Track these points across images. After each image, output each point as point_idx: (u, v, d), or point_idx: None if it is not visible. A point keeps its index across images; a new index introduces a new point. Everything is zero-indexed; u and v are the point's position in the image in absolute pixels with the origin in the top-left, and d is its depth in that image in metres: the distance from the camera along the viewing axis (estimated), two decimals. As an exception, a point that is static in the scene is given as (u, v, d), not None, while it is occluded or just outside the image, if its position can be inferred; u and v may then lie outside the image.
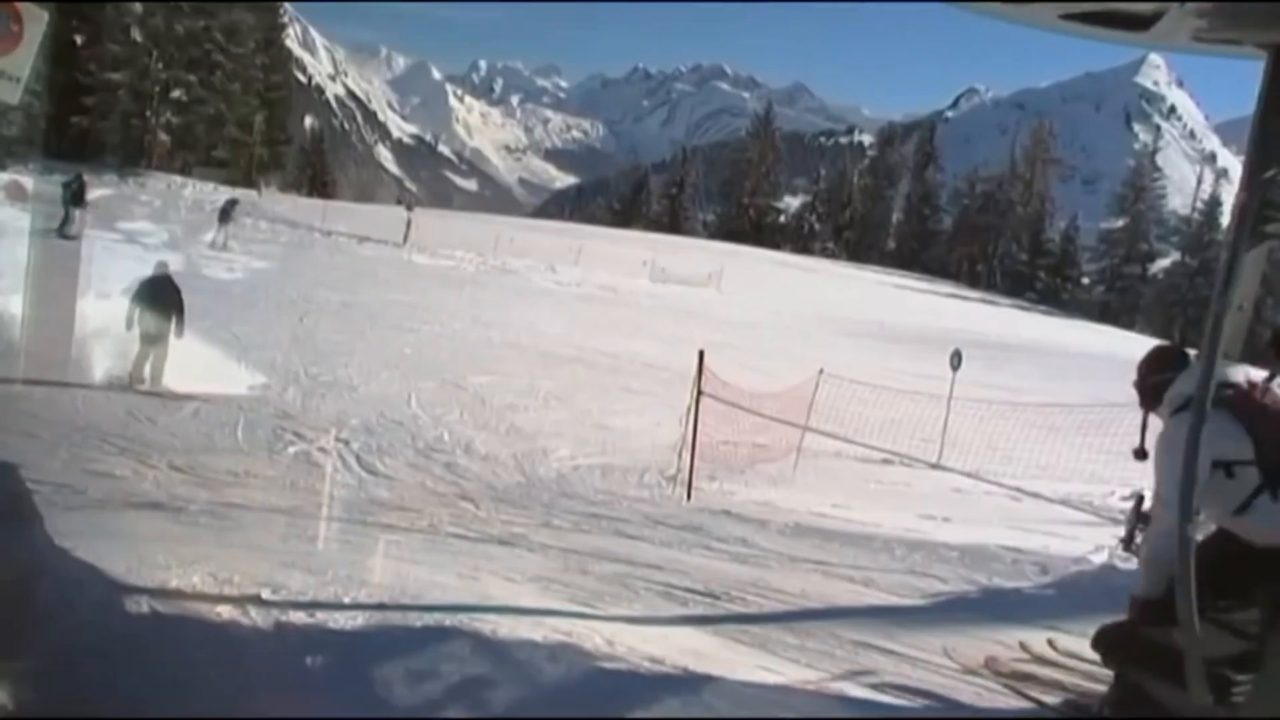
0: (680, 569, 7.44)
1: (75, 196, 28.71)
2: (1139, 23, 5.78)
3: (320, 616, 5.30)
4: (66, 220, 26.87)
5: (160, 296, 13.39)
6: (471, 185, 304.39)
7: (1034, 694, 4.96)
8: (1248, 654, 3.73)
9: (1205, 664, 3.17)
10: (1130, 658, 4.08)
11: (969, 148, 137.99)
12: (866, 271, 57.71)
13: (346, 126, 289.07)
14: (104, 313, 13.80)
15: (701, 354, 12.05)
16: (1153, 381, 4.38)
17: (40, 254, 14.40)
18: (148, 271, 13.94)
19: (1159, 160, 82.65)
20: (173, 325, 13.30)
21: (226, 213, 30.52)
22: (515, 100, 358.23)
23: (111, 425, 10.31)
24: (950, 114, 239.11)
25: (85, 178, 33.06)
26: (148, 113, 54.56)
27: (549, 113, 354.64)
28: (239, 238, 30.11)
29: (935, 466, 12.73)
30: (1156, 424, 4.27)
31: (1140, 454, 4.38)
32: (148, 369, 12.99)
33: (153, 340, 13.08)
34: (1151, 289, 71.83)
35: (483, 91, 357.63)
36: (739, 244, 64.27)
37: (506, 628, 5.27)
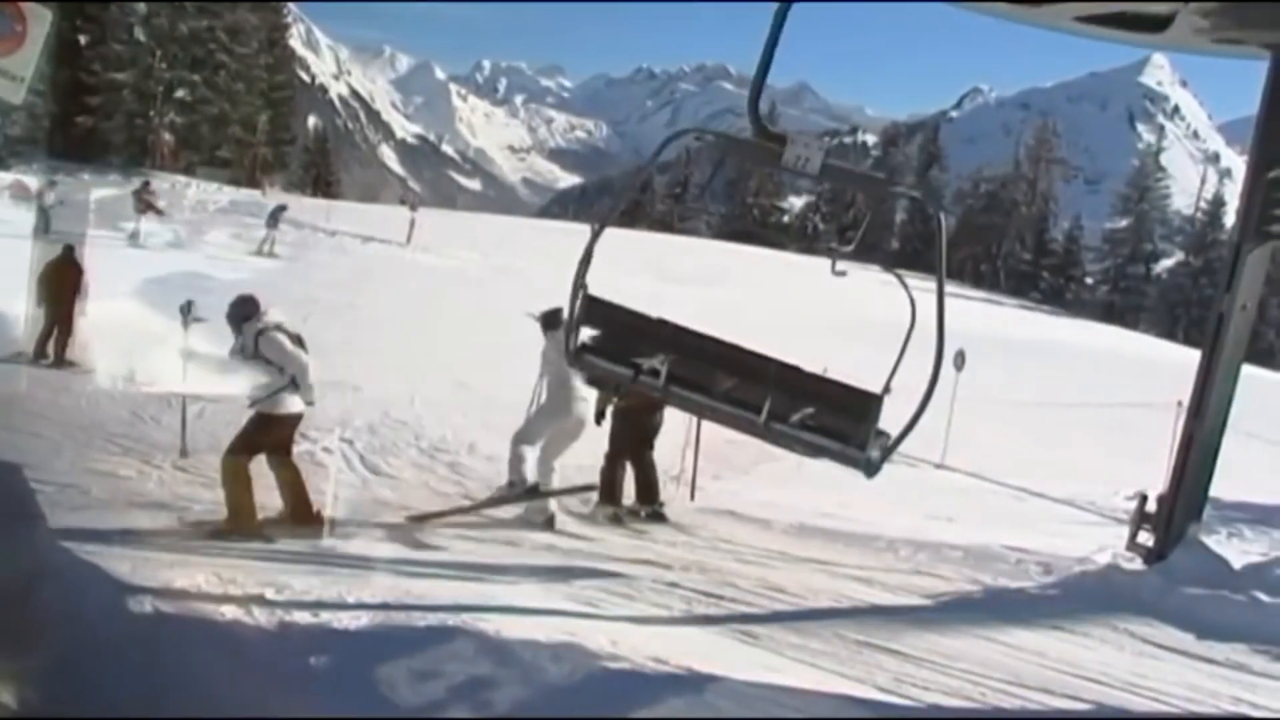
0: (684, 568, 7.44)
1: (141, 203, 28.96)
2: (1153, 24, 5.79)
3: (324, 616, 5.31)
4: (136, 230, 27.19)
5: (64, 276, 13.69)
6: (475, 185, 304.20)
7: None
8: None
9: None
10: None
11: (973, 148, 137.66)
12: (871, 271, 57.68)
13: (350, 126, 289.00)
14: (107, 312, 13.86)
15: (705, 353, 11.99)
16: (244, 316, 7.80)
17: (43, 255, 14.39)
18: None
19: (1163, 160, 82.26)
20: (77, 303, 13.60)
21: (274, 218, 30.43)
22: (519, 100, 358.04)
23: (116, 425, 10.31)
24: (954, 114, 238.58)
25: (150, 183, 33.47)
26: (151, 113, 54.53)
27: (553, 112, 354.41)
28: (245, 239, 30.12)
29: (939, 466, 12.70)
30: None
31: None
32: (51, 345, 13.30)
33: (57, 317, 13.38)
34: (1156, 289, 71.65)
35: (486, 91, 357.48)
36: (743, 244, 64.11)
37: (510, 628, 5.28)
